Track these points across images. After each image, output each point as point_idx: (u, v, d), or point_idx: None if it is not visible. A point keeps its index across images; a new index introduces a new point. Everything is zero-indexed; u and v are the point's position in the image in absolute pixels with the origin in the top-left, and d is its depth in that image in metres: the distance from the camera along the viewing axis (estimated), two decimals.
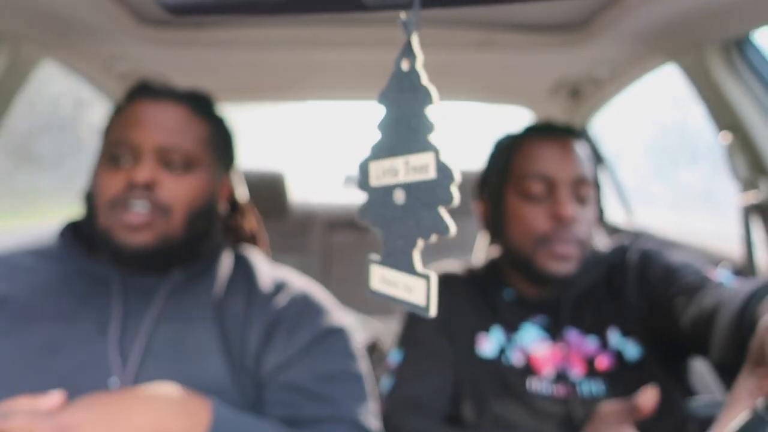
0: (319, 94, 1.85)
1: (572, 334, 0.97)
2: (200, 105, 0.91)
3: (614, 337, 0.96)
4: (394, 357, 1.02)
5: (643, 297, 0.97)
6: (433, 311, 0.34)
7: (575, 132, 1.00)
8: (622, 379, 0.92)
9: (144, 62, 1.39)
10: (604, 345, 0.96)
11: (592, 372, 0.93)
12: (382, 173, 0.38)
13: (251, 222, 1.08)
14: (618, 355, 0.95)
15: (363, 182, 0.40)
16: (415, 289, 0.35)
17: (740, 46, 1.17)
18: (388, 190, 0.37)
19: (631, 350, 0.95)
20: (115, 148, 0.84)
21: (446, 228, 0.33)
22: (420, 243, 0.35)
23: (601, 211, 1.05)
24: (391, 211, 0.37)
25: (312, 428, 0.78)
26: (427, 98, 0.35)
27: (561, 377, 0.93)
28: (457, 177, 0.33)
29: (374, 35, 1.24)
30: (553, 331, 0.97)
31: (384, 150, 0.38)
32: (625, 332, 0.96)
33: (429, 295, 0.35)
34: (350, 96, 1.89)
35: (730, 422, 0.51)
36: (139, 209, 0.81)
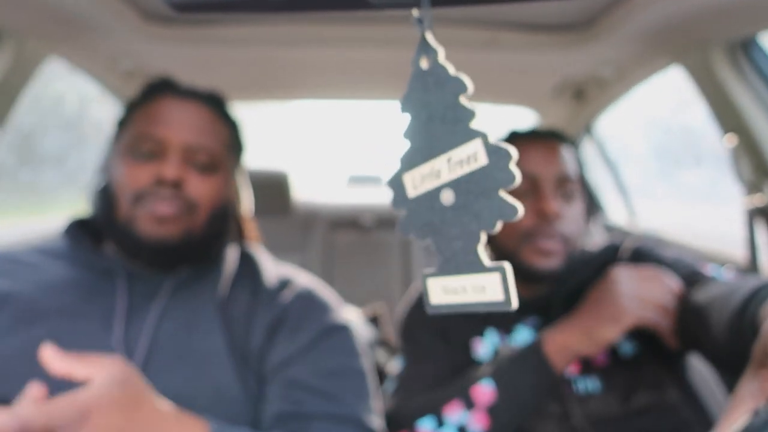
0: (323, 92, 1.85)
1: None
2: (221, 107, 0.94)
3: None
4: (396, 364, 1.03)
5: None
6: (514, 303, 0.33)
7: (559, 135, 1.02)
8: (617, 374, 0.92)
9: (149, 59, 1.39)
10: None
11: (587, 369, 0.93)
12: (421, 180, 0.36)
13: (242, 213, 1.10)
14: (612, 351, 0.95)
15: (399, 197, 0.37)
16: (489, 286, 0.33)
17: (746, 47, 1.17)
18: (433, 195, 0.35)
19: (626, 346, 0.95)
20: (140, 142, 0.85)
21: (514, 210, 0.32)
22: (483, 237, 0.34)
23: (597, 209, 1.05)
24: (439, 216, 0.35)
25: (314, 424, 0.78)
26: (459, 87, 0.34)
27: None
28: (514, 154, 0.31)
29: (379, 34, 1.24)
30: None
31: (417, 157, 0.36)
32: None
33: (507, 287, 0.33)
34: (355, 95, 1.89)
35: (732, 424, 0.51)
36: (168, 205, 0.83)
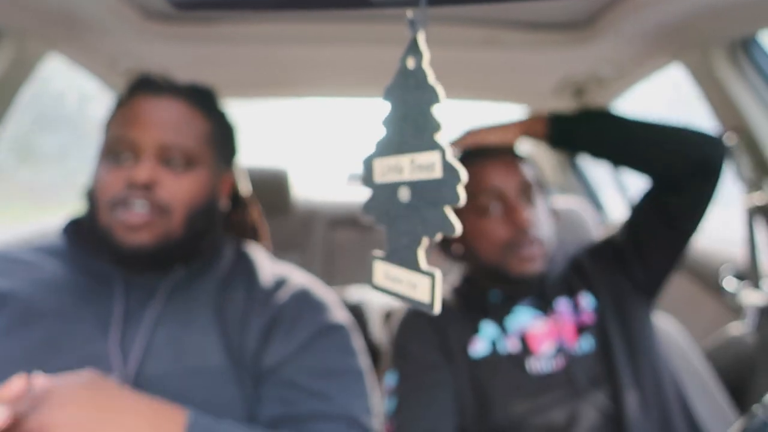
0: (323, 90, 1.85)
1: (562, 304, 1.03)
2: (201, 99, 0.90)
3: (585, 299, 1.04)
4: (389, 379, 1.02)
5: (594, 259, 1.10)
6: (437, 308, 0.34)
7: (505, 149, 1.06)
8: (604, 331, 0.99)
9: (149, 57, 1.39)
10: (576, 306, 1.04)
11: (581, 330, 1.00)
12: (387, 170, 0.38)
13: (253, 216, 1.08)
14: (594, 314, 1.02)
15: (367, 178, 0.40)
16: (419, 286, 0.36)
17: (746, 46, 1.17)
18: (393, 187, 0.37)
19: (590, 301, 1.04)
20: (116, 145, 0.84)
21: (452, 228, 0.33)
22: (425, 241, 0.35)
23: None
24: (395, 209, 0.37)
25: (308, 425, 0.78)
26: (433, 97, 0.35)
27: (561, 350, 0.98)
28: (464, 177, 0.33)
29: (379, 32, 1.24)
30: (545, 306, 1.02)
31: (389, 147, 0.38)
32: (594, 293, 1.05)
33: (434, 292, 0.35)
34: (354, 93, 1.89)
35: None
36: (139, 209, 0.80)
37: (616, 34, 1.19)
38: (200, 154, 0.87)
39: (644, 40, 1.21)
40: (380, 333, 1.65)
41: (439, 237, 0.34)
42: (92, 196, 0.86)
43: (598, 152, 1.01)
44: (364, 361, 0.89)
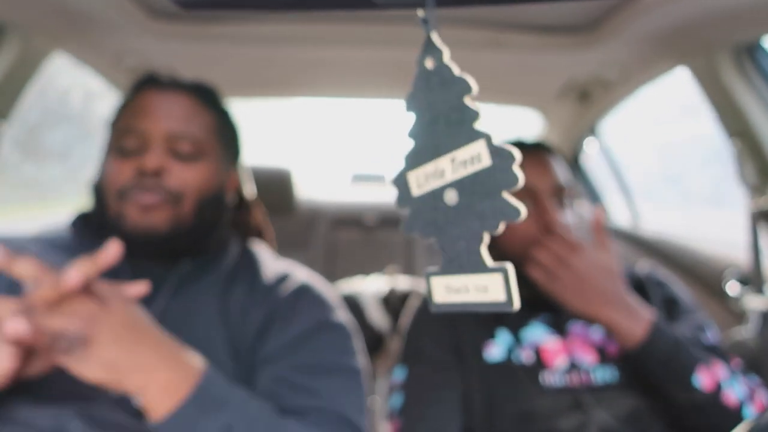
0: (327, 91, 1.85)
1: (577, 327, 0.99)
2: (206, 96, 0.93)
3: None
4: (398, 374, 1.02)
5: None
6: (516, 304, 0.33)
7: (545, 146, 1.05)
8: (631, 365, 0.94)
9: (153, 56, 1.39)
10: (610, 334, 0.97)
11: (604, 359, 0.96)
12: (425, 179, 0.36)
13: (257, 217, 1.08)
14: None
15: (403, 196, 0.37)
16: (491, 286, 0.34)
17: (751, 51, 1.16)
18: (436, 194, 0.35)
19: None
20: (124, 137, 0.85)
21: (516, 211, 0.32)
22: (486, 238, 0.34)
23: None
24: (443, 215, 0.35)
25: (297, 419, 0.77)
26: (464, 88, 0.34)
27: (574, 366, 0.95)
28: (517, 156, 0.32)
29: (383, 33, 1.24)
30: (559, 326, 0.99)
31: (422, 155, 0.36)
32: None
33: (509, 288, 0.33)
34: (359, 93, 1.89)
35: None
36: (152, 193, 0.82)
37: (622, 37, 1.19)
38: (207, 145, 0.89)
39: (650, 43, 1.21)
40: (379, 319, 1.66)
41: (502, 227, 0.33)
42: (100, 188, 0.88)
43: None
44: (361, 361, 0.88)
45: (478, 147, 0.33)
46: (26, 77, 1.20)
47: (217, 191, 0.91)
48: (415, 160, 0.36)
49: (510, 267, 0.33)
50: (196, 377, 0.69)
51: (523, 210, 0.32)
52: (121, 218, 0.83)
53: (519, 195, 0.97)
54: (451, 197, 0.35)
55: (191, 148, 0.86)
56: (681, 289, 1.06)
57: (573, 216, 1.01)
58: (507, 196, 0.32)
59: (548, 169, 0.99)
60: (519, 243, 0.98)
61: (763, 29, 1.05)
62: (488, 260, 0.34)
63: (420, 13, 0.35)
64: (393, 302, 1.72)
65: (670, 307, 1.02)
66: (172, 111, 0.87)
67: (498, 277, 0.33)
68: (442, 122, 0.35)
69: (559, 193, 0.99)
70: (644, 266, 1.10)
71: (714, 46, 1.14)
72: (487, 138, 0.33)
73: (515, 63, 1.45)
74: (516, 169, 0.32)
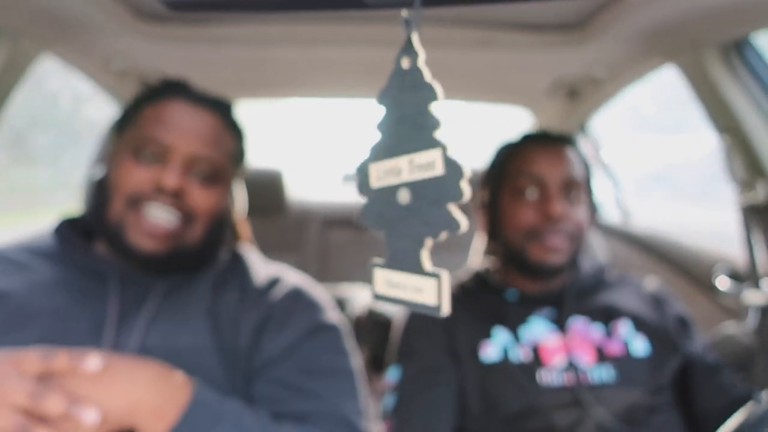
0: (318, 91, 1.85)
1: (578, 323, 1.00)
2: (230, 117, 0.92)
3: (624, 327, 1.00)
4: (392, 374, 1.02)
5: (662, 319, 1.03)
6: (445, 310, 0.34)
7: (567, 139, 1.07)
8: (631, 367, 0.95)
9: (142, 58, 1.38)
10: (610, 333, 0.99)
11: (602, 358, 0.96)
12: (384, 174, 0.37)
13: (244, 231, 1.08)
14: (625, 346, 0.98)
15: (363, 185, 0.39)
16: (425, 289, 0.35)
17: (739, 47, 1.17)
18: (391, 190, 0.37)
19: (639, 345, 0.98)
20: (144, 143, 0.83)
21: (457, 224, 0.33)
22: (428, 242, 0.35)
23: (594, 210, 1.08)
24: (394, 212, 0.36)
25: (299, 424, 0.77)
26: (431, 95, 0.34)
27: (571, 366, 0.95)
28: (467, 172, 0.32)
29: (374, 33, 1.24)
30: (560, 322, 1.00)
31: (385, 150, 0.37)
32: (637, 327, 1.00)
33: (440, 294, 0.34)
34: (349, 94, 1.89)
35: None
36: (165, 216, 0.81)
37: (610, 35, 1.19)
38: (224, 170, 0.88)
39: (638, 41, 1.21)
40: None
41: (443, 236, 0.34)
42: (104, 188, 0.86)
43: None
44: (355, 361, 0.89)
45: (435, 155, 0.34)
46: (14, 80, 1.19)
47: (225, 213, 0.91)
48: (379, 153, 0.38)
49: (445, 274, 0.34)
50: (185, 398, 0.69)
51: (463, 224, 0.33)
52: (123, 228, 0.81)
53: (528, 183, 0.99)
54: (404, 197, 0.36)
55: (211, 171, 0.85)
56: (683, 306, 1.08)
57: (582, 212, 1.01)
58: (452, 207, 0.33)
59: (562, 161, 1.00)
60: (521, 231, 0.99)
61: (751, 26, 1.06)
62: (427, 264, 0.35)
63: (404, 13, 0.35)
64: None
65: (681, 325, 1.04)
66: (200, 131, 0.85)
67: (432, 282, 0.34)
68: (408, 123, 0.36)
69: (569, 187, 1.00)
70: (651, 283, 1.12)
71: (702, 43, 1.14)
72: (444, 148, 0.34)
73: (505, 61, 1.46)
74: (464, 184, 0.33)
